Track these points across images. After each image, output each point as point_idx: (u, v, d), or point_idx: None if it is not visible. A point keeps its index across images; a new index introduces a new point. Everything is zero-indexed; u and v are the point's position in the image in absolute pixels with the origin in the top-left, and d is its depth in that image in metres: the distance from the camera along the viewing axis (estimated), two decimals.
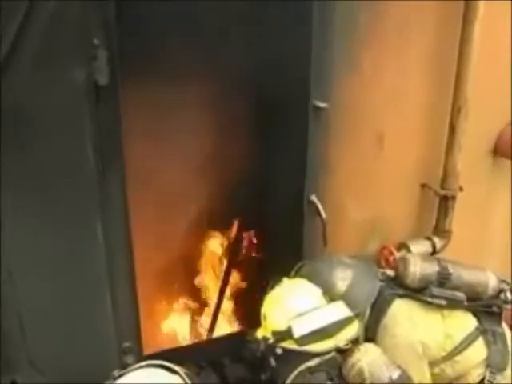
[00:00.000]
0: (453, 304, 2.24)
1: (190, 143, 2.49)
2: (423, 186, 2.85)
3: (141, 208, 2.21)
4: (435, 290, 2.23)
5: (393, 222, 2.83)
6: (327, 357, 2.05)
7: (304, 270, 2.34)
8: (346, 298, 2.19)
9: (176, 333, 2.88)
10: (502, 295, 2.31)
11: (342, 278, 2.24)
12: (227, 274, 2.85)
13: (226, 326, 2.91)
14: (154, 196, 2.46)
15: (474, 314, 2.30)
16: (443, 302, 2.23)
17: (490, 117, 2.88)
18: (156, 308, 2.81)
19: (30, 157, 1.91)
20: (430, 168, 2.84)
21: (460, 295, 2.24)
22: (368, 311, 2.25)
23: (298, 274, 2.33)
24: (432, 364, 2.23)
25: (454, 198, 2.82)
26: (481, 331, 2.27)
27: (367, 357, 2.05)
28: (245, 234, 2.83)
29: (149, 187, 2.40)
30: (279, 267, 2.40)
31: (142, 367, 1.86)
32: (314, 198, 2.49)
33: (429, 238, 2.87)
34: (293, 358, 2.05)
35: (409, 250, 2.77)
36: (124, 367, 1.91)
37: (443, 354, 2.22)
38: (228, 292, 2.88)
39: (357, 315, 2.18)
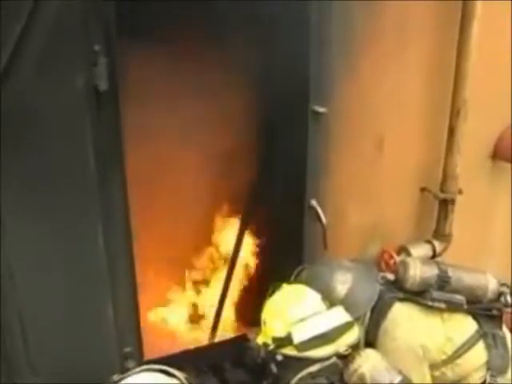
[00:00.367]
0: (453, 307, 2.24)
1: (188, 148, 2.50)
2: (423, 189, 2.86)
3: (142, 212, 2.22)
4: (435, 294, 2.23)
5: (393, 225, 2.83)
6: (328, 362, 2.05)
7: (304, 273, 2.35)
8: (347, 301, 2.19)
9: (177, 337, 2.89)
10: (502, 298, 2.32)
11: (343, 282, 2.25)
12: (230, 274, 2.84)
13: (228, 331, 2.92)
14: (155, 200, 2.47)
15: (475, 318, 2.30)
16: (443, 306, 2.23)
17: (490, 119, 2.88)
18: (157, 312, 2.82)
19: (31, 160, 1.91)
20: (429, 171, 2.84)
21: (460, 298, 2.24)
22: (368, 315, 2.25)
23: (298, 278, 2.33)
24: (433, 367, 2.24)
25: (453, 201, 2.82)
26: (481, 334, 2.27)
27: (368, 362, 2.05)
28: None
29: (150, 191, 2.40)
30: (280, 271, 2.40)
31: (141, 371, 1.86)
32: (314, 202, 2.50)
33: (429, 242, 2.87)
34: (294, 364, 2.04)
35: (409, 254, 2.77)
36: (125, 372, 1.91)
37: (444, 357, 2.22)
38: (229, 296, 2.89)
39: (357, 319, 2.18)
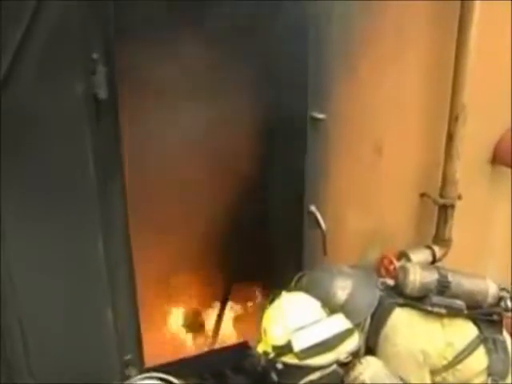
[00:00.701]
0: (453, 312, 2.24)
1: (188, 155, 2.50)
2: (422, 195, 2.86)
3: (142, 220, 2.22)
4: (435, 299, 2.23)
5: (392, 231, 2.83)
6: (329, 370, 2.05)
7: (304, 280, 2.34)
8: (347, 307, 2.19)
9: (178, 344, 2.88)
10: (503, 303, 2.31)
11: (342, 288, 2.24)
12: (232, 277, 2.84)
13: (228, 337, 2.91)
14: (155, 208, 2.47)
15: (475, 323, 2.29)
16: (443, 311, 2.23)
17: (489, 123, 2.88)
18: (157, 320, 2.81)
19: (30, 167, 1.92)
20: (428, 176, 2.84)
21: (460, 303, 2.24)
22: (368, 321, 2.25)
23: (298, 285, 2.33)
24: (433, 373, 2.23)
25: (453, 206, 2.82)
26: (481, 339, 2.26)
27: (369, 370, 2.05)
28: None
29: (149, 200, 2.41)
30: (279, 278, 2.40)
31: (141, 380, 1.86)
32: (313, 208, 2.51)
33: (429, 247, 2.87)
34: (294, 372, 2.04)
35: (409, 259, 2.77)
36: (125, 380, 1.91)
37: (444, 362, 2.21)
38: (229, 302, 2.89)
39: (357, 325, 2.18)
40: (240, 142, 2.58)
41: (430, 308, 2.23)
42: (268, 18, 2.30)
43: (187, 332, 2.90)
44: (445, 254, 2.88)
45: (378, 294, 2.29)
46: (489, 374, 2.24)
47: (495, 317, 2.30)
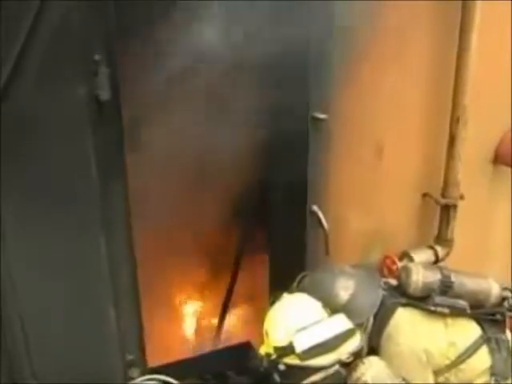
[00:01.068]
0: (456, 312, 2.23)
1: (189, 155, 2.50)
2: (424, 195, 2.86)
3: (144, 219, 2.22)
4: (438, 299, 2.22)
5: (395, 231, 2.82)
6: (331, 371, 2.05)
7: (306, 280, 2.34)
8: (349, 307, 2.18)
9: (181, 345, 2.88)
10: (505, 303, 2.31)
11: (345, 288, 2.23)
12: (234, 277, 2.84)
13: (231, 337, 2.91)
14: (157, 208, 2.47)
15: (478, 322, 2.29)
16: (446, 311, 2.22)
17: (490, 123, 2.88)
18: (160, 320, 2.82)
19: (32, 168, 1.92)
20: (430, 177, 2.84)
21: (462, 303, 2.23)
22: (371, 321, 2.24)
23: (300, 285, 2.32)
24: (436, 373, 2.22)
25: (455, 206, 2.81)
26: (485, 339, 2.25)
27: (371, 370, 2.04)
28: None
29: (150, 200, 2.41)
30: (282, 278, 2.40)
31: (144, 381, 1.86)
32: (315, 208, 2.51)
33: (431, 247, 2.86)
34: (297, 373, 2.04)
35: (411, 259, 2.77)
36: (128, 380, 1.91)
37: (447, 362, 2.21)
38: (232, 302, 2.89)
39: (360, 325, 2.18)
40: (242, 143, 2.59)
41: (432, 308, 2.22)
42: (269, 19, 2.31)
43: (190, 332, 2.91)
44: (447, 254, 2.87)
45: (380, 294, 2.28)
46: (492, 374, 2.23)
47: (498, 316, 2.29)
